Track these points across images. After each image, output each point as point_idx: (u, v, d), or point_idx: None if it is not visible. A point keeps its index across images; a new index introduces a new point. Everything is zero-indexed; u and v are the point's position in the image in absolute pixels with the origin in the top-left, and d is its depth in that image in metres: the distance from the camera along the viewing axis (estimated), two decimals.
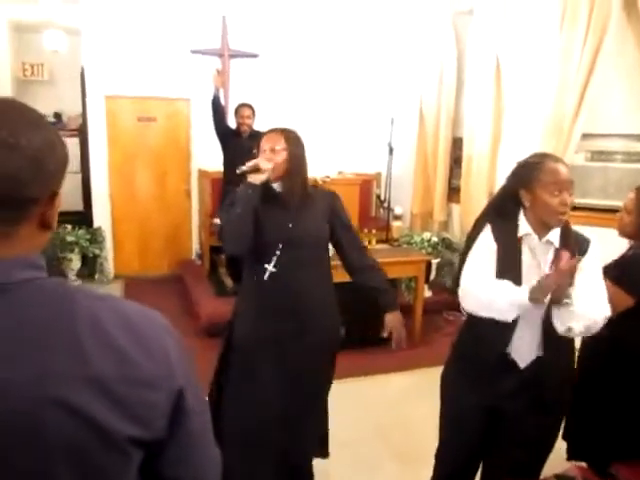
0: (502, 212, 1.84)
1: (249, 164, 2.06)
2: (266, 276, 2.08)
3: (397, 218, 4.59)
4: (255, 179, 2.04)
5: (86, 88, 5.61)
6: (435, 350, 3.92)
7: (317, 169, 5.62)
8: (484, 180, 5.10)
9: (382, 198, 5.51)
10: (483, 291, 1.75)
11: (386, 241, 4.58)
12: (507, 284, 1.71)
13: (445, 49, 5.58)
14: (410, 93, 6.08)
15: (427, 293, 4.63)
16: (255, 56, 5.79)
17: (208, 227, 5.45)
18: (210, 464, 0.85)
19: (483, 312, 1.75)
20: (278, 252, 2.07)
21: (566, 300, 1.64)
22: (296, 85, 5.97)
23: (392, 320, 2.31)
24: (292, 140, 2.12)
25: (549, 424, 1.92)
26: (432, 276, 4.47)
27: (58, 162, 0.73)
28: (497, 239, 1.80)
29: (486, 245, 1.82)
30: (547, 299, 1.64)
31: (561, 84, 4.23)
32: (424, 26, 5.74)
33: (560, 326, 1.67)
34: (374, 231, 4.49)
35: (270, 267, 2.08)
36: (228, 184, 4.65)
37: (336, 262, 3.79)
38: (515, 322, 1.75)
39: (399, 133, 5.16)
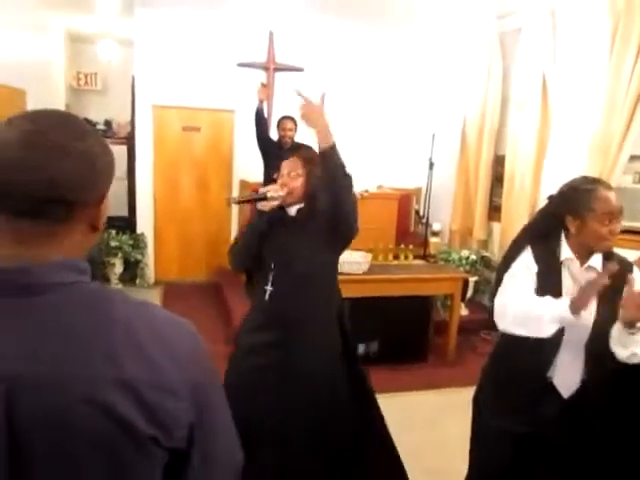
0: (543, 234, 1.81)
1: (253, 193, 2.11)
2: (267, 296, 2.15)
3: (435, 234, 4.56)
4: (264, 206, 2.09)
5: (135, 97, 5.81)
6: (470, 369, 3.86)
7: (356, 184, 5.66)
8: (526, 199, 5.01)
9: (421, 213, 5.49)
10: (520, 306, 1.69)
11: (423, 257, 4.55)
12: (547, 297, 1.66)
13: (491, 66, 5.55)
14: (453, 109, 6.06)
15: (464, 311, 4.58)
16: (300, 70, 5.88)
17: None
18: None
19: (518, 329, 1.69)
20: (272, 272, 2.13)
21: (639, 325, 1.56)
22: (339, 98, 6.01)
23: None
24: (310, 164, 2.14)
25: (595, 453, 1.81)
26: (469, 294, 4.41)
27: (107, 167, 0.77)
28: (538, 261, 1.77)
29: (526, 265, 1.78)
30: (586, 318, 1.59)
31: (609, 104, 4.14)
32: (470, 43, 5.72)
33: (622, 351, 1.60)
34: (411, 247, 4.47)
35: (268, 287, 2.14)
36: None
37: (374, 277, 3.83)
38: (557, 345, 1.70)
39: (440, 149, 5.14)
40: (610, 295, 1.60)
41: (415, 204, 6.09)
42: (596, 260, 1.74)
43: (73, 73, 7.84)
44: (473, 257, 4.95)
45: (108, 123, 8.31)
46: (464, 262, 4.85)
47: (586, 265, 1.73)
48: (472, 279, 4.66)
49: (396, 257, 4.34)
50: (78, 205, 0.73)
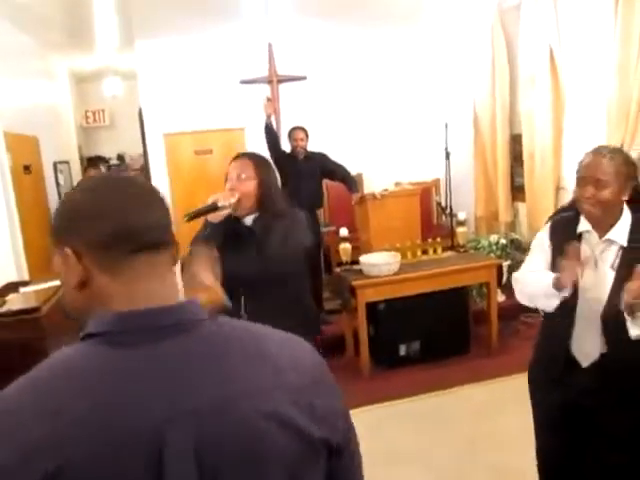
0: (568, 209, 1.86)
1: (203, 205, 1.86)
2: None
3: (461, 224, 4.50)
4: (214, 217, 1.86)
5: (145, 128, 5.89)
6: (516, 357, 3.80)
7: (374, 184, 5.65)
8: (549, 175, 4.94)
9: (443, 205, 5.44)
10: (525, 281, 1.85)
11: (452, 248, 4.50)
12: (543, 273, 1.77)
13: (495, 46, 5.50)
14: (462, 95, 6.01)
15: (501, 297, 4.51)
16: (303, 78, 5.90)
17: None
18: None
19: (529, 302, 1.85)
20: (243, 297, 1.93)
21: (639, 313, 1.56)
22: (346, 101, 6.03)
23: None
24: (263, 167, 1.96)
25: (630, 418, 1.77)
26: (504, 279, 4.34)
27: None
28: (552, 236, 1.84)
29: (540, 243, 1.89)
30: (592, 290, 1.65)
31: (622, 66, 4.05)
32: (471, 27, 5.68)
33: (634, 331, 1.60)
34: (439, 239, 4.43)
35: (243, 313, 1.93)
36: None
37: (406, 275, 3.80)
38: (572, 318, 1.76)
39: (454, 137, 5.10)
40: (626, 269, 1.62)
41: (436, 196, 6.04)
42: (616, 233, 1.72)
43: (81, 112, 8.01)
44: (503, 241, 4.88)
45: (121, 157, 8.46)
46: (494, 247, 4.79)
47: (605, 238, 1.73)
48: (505, 263, 4.59)
49: (425, 252, 4.31)
50: (174, 244, 0.82)
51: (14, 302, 2.88)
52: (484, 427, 3.14)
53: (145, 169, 6.55)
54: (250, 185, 1.91)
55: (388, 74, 6.07)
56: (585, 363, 1.77)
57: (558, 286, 1.67)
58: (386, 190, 4.66)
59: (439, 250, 4.34)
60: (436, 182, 6.07)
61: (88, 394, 0.66)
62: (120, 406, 0.66)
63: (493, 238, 4.90)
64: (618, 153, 1.73)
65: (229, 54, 5.73)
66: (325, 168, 4.81)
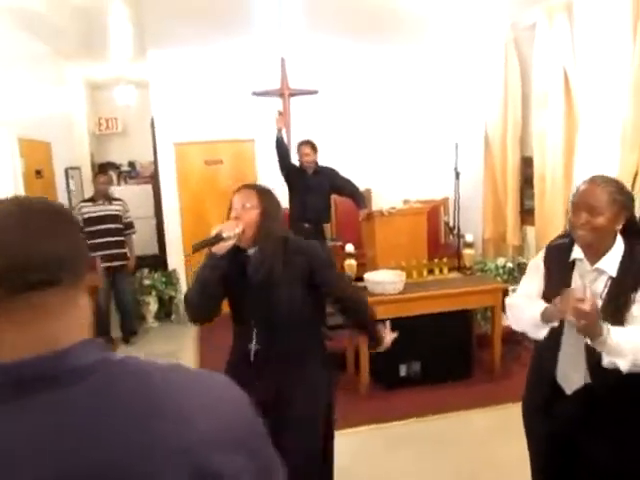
0: (564, 236, 1.89)
1: (208, 237, 1.86)
2: (252, 355, 1.95)
3: (468, 245, 4.47)
4: (219, 249, 1.85)
5: (156, 137, 5.94)
6: (519, 383, 3.70)
7: (382, 200, 5.65)
8: (560, 199, 4.90)
9: (451, 225, 5.42)
10: (517, 308, 1.90)
11: (458, 269, 4.47)
12: (532, 302, 1.80)
13: (508, 66, 5.49)
14: (473, 115, 6.01)
15: (505, 322, 4.46)
16: (315, 92, 5.93)
17: None
18: None
19: (519, 329, 1.89)
20: (255, 329, 1.94)
21: (600, 337, 1.54)
22: (357, 117, 6.06)
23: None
24: (266, 198, 1.95)
25: (628, 456, 1.76)
26: None
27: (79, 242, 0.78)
28: (546, 261, 1.88)
29: (534, 267, 1.93)
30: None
31: (638, 89, 4.02)
32: (484, 46, 5.69)
33: (605, 358, 1.61)
34: (445, 259, 4.40)
35: (253, 345, 1.95)
36: (295, 221, 4.74)
37: (411, 295, 3.77)
38: (558, 345, 1.79)
39: (464, 157, 5.09)
40: (614, 298, 1.67)
41: (444, 215, 6.02)
42: (606, 263, 1.71)
43: (95, 120, 8.10)
44: (509, 265, 4.84)
45: (132, 164, 8.53)
46: (501, 271, 4.75)
47: (594, 267, 1.74)
48: (511, 288, 4.54)
49: (431, 272, 4.28)
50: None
51: None
52: (485, 454, 3.08)
53: (155, 177, 6.58)
54: (254, 214, 1.90)
55: (399, 91, 6.09)
56: (569, 391, 1.80)
57: (547, 319, 1.72)
58: (394, 208, 4.65)
59: (445, 270, 4.31)
60: (445, 201, 6.05)
61: None
62: None
63: (500, 261, 4.86)
64: (613, 182, 1.75)
65: (241, 66, 5.78)
66: (334, 183, 4.82)
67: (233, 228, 1.86)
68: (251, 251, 1.95)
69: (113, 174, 8.09)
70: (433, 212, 5.53)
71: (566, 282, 1.76)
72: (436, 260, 4.36)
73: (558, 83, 4.80)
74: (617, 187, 1.72)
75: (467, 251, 4.40)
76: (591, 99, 4.58)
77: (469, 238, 4.45)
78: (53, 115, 5.24)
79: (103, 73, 7.07)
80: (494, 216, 5.82)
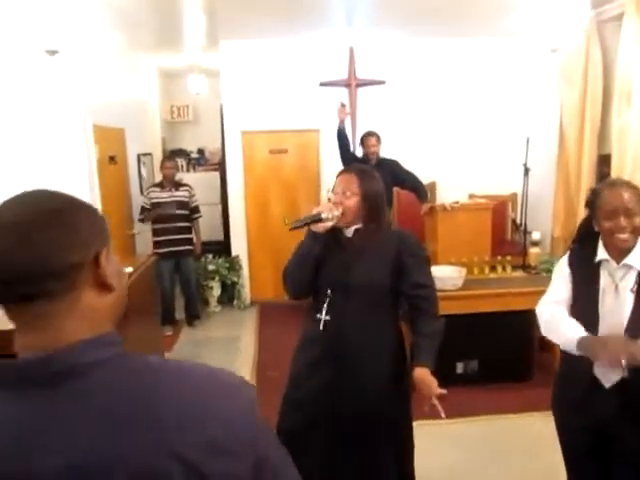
0: (585, 238, 1.96)
1: (307, 215, 1.96)
2: (321, 326, 2.01)
3: (535, 244, 4.35)
4: (318, 227, 1.95)
5: (224, 125, 6.12)
6: None
7: (447, 194, 5.58)
8: None
9: (518, 222, 5.29)
10: (548, 318, 1.96)
11: (523, 268, 4.36)
12: (567, 320, 1.86)
13: (590, 58, 5.26)
14: (547, 109, 5.82)
15: None
16: (382, 83, 5.92)
17: None
18: None
19: (550, 337, 1.95)
20: (328, 299, 2.00)
21: None
22: (423, 109, 6.00)
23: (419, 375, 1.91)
24: (367, 182, 2.01)
25: None
26: None
27: (89, 227, 0.76)
28: (571, 264, 1.95)
29: (560, 273, 1.99)
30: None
31: None
32: (563, 37, 5.47)
33: None
34: (509, 257, 4.30)
35: (323, 316, 2.01)
36: None
37: (470, 292, 3.73)
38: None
39: (535, 152, 4.94)
40: None
41: (511, 212, 5.87)
42: (634, 258, 1.81)
43: (167, 107, 8.42)
44: None
45: (201, 151, 8.82)
46: None
47: (622, 263, 1.82)
48: None
49: (493, 269, 4.21)
50: (70, 271, 0.72)
51: None
52: (538, 461, 3.01)
53: (222, 164, 6.79)
54: (353, 201, 1.99)
55: (468, 82, 5.98)
56: (607, 384, 1.82)
57: (582, 350, 1.76)
58: (457, 202, 4.60)
59: (508, 269, 4.22)
60: (512, 197, 5.90)
61: None
62: None
63: None
64: (628, 183, 1.87)
65: (309, 58, 5.86)
66: (396, 175, 4.81)
67: (333, 210, 1.95)
68: (350, 230, 2.05)
69: (183, 161, 8.41)
70: (499, 208, 5.41)
71: (595, 282, 1.85)
72: (499, 257, 4.28)
73: None
74: (634, 186, 1.84)
75: (533, 250, 4.30)
76: None
77: (536, 236, 4.34)
78: (128, 102, 5.51)
79: (176, 62, 7.34)
80: (565, 215, 5.63)
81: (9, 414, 0.69)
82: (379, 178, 2.08)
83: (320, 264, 2.01)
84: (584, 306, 1.87)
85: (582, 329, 1.80)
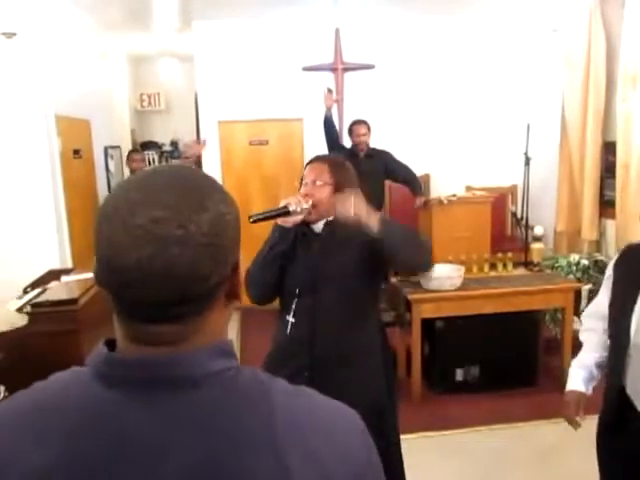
0: None
1: (274, 208, 1.88)
2: (288, 329, 1.97)
3: (537, 239, 4.36)
4: (285, 222, 1.89)
5: (199, 114, 6.05)
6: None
7: (442, 187, 5.58)
8: None
9: (518, 215, 5.30)
10: (583, 331, 1.95)
11: (525, 265, 4.37)
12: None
13: (592, 39, 5.28)
14: (548, 94, 5.83)
15: (577, 325, 4.34)
16: (371, 67, 5.89)
17: None
18: None
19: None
20: (295, 299, 1.95)
21: None
22: (416, 95, 5.98)
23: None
24: (339, 172, 1.95)
25: None
26: (582, 305, 4.17)
27: (233, 233, 0.74)
28: (617, 264, 1.80)
29: (608, 274, 1.85)
30: None
31: None
32: (564, 17, 5.49)
33: None
34: (510, 254, 4.30)
35: (290, 318, 1.97)
36: None
37: (470, 292, 3.72)
38: (625, 349, 1.69)
39: (537, 140, 4.95)
40: None
41: (511, 205, 5.89)
42: None
43: (136, 95, 8.32)
44: (584, 262, 4.68)
45: (174, 143, 8.73)
46: (574, 268, 4.60)
47: None
48: (585, 287, 4.40)
49: (493, 267, 4.20)
50: (214, 290, 0.71)
51: (53, 292, 3.02)
52: (548, 471, 3.02)
53: (198, 157, 6.71)
54: (325, 191, 1.92)
55: (463, 66, 5.97)
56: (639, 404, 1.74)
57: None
58: (454, 195, 4.58)
59: (509, 266, 4.22)
60: (512, 189, 5.92)
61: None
62: None
63: (573, 258, 4.71)
64: None
65: (291, 39, 5.80)
66: (388, 167, 4.79)
67: (301, 203, 1.87)
68: (319, 226, 1.98)
69: (155, 154, 8.31)
70: (499, 201, 5.41)
71: (636, 285, 1.68)
72: (500, 254, 4.28)
73: None
74: None
75: (536, 245, 4.31)
76: None
77: (538, 231, 4.35)
78: (93, 91, 5.41)
79: (146, 46, 7.24)
80: (569, 207, 5.65)
81: (138, 417, 0.68)
82: (352, 169, 2.03)
83: (287, 263, 1.96)
84: (619, 308, 1.74)
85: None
